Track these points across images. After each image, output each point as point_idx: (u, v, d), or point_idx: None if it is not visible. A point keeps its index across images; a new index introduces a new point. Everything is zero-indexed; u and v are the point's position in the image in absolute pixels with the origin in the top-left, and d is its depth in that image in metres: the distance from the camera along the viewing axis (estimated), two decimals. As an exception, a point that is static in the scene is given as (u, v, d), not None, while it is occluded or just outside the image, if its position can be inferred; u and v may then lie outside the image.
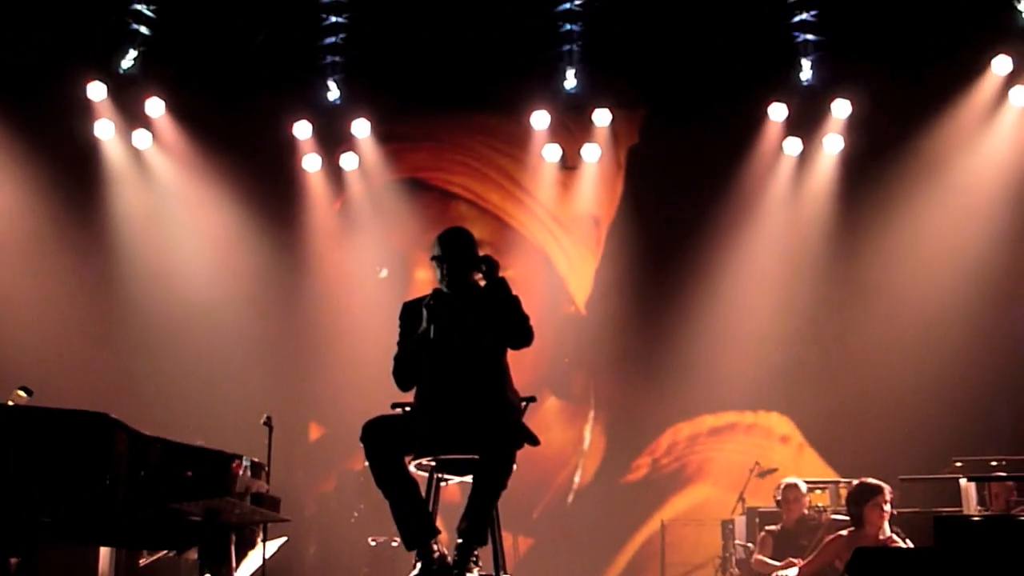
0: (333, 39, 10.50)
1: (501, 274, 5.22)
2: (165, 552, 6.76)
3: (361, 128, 10.89)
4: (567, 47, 10.51)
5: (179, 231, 10.85)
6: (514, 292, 5.19)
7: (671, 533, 10.29)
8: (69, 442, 4.95)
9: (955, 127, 10.22)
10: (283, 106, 10.75)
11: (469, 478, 5.06)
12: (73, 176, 10.47)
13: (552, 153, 11.00)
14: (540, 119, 10.86)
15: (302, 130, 10.88)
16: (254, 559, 6.16)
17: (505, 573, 5.07)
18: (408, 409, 5.23)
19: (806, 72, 10.43)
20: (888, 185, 10.42)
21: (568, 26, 10.43)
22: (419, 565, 4.85)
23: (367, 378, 9.11)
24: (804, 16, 10.20)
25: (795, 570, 6.97)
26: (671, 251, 10.93)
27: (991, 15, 9.91)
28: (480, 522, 4.87)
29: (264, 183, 10.81)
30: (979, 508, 7.23)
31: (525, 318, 5.15)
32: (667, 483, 10.86)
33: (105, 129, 10.57)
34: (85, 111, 10.49)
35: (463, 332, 5.17)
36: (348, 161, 11.02)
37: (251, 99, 10.63)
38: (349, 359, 10.48)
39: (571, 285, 11.29)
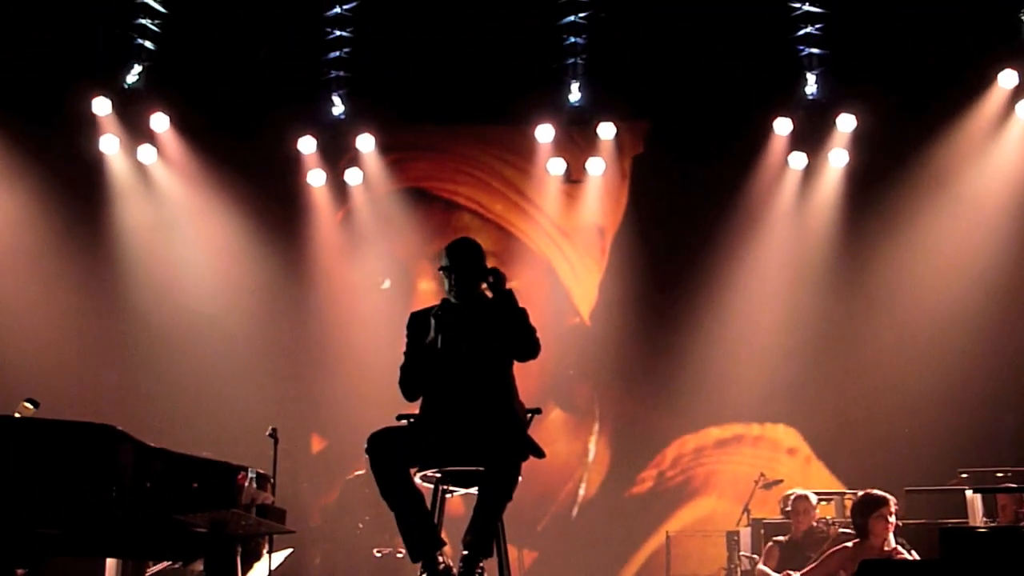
0: (337, 53, 10.55)
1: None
2: (171, 563, 6.75)
3: (365, 142, 10.93)
4: (571, 60, 10.54)
5: (184, 244, 10.91)
6: (520, 304, 5.20)
7: (676, 545, 10.22)
8: (75, 453, 4.97)
9: (961, 141, 10.22)
10: (287, 120, 10.79)
11: (474, 490, 5.06)
12: (79, 190, 10.54)
13: (557, 166, 11.02)
14: (545, 132, 10.87)
15: (306, 145, 10.92)
16: (260, 570, 6.16)
17: (510, 585, 5.06)
18: (413, 420, 5.23)
19: (811, 86, 10.46)
20: (893, 199, 10.41)
21: (572, 39, 10.47)
22: (424, 576, 4.84)
23: (371, 389, 9.17)
24: (809, 30, 10.23)
25: (794, 578, 6.93)
26: (676, 263, 10.94)
27: (997, 29, 9.93)
28: (485, 534, 4.85)
29: (268, 197, 10.86)
30: (985, 520, 7.21)
31: (532, 331, 5.14)
32: (672, 495, 10.84)
33: (110, 144, 10.62)
34: (90, 126, 10.54)
35: (471, 343, 5.16)
36: (352, 176, 11.07)
37: (255, 113, 10.69)
38: (353, 370, 10.50)
39: (575, 296, 11.29)
